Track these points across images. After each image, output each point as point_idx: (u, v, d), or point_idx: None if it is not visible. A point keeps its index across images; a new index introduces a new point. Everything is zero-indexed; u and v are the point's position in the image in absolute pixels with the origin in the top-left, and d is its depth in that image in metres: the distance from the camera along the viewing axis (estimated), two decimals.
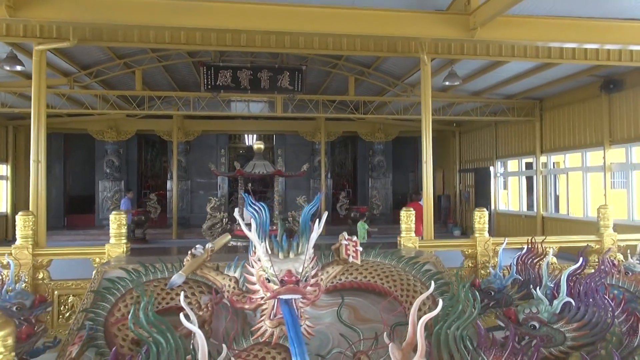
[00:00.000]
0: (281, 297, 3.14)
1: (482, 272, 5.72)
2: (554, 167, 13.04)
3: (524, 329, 3.59)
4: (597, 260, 6.12)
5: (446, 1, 6.25)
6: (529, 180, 14.12)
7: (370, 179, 18.89)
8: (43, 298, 4.44)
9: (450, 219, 18.40)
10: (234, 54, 12.51)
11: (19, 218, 5.14)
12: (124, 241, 5.28)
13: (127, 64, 11.66)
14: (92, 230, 16.89)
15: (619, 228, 10.00)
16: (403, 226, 5.79)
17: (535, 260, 5.06)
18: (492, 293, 4.94)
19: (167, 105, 15.07)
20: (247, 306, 3.37)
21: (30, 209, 6.25)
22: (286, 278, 3.15)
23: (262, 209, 3.61)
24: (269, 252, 3.36)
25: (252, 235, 3.44)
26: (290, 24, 5.89)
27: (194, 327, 2.28)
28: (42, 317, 4.51)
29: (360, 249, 4.11)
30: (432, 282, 3.13)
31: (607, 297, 3.61)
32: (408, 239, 5.70)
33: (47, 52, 9.71)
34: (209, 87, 11.51)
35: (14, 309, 4.23)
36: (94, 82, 11.86)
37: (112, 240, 5.25)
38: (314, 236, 3.41)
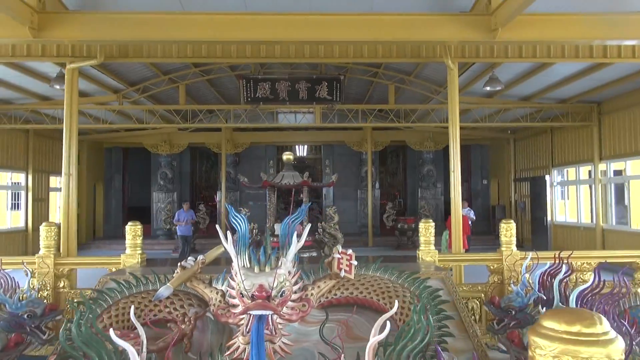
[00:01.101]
0: (251, 312, 3.03)
1: (510, 288, 5.30)
2: (614, 175, 12.04)
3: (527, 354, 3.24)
4: None
5: (469, 2, 5.93)
6: (589, 189, 13.14)
7: (419, 189, 18.39)
8: (54, 306, 4.59)
9: None
10: (274, 66, 12.67)
11: (43, 229, 5.38)
12: (139, 251, 5.38)
13: (172, 79, 12.09)
14: (146, 239, 17.52)
15: None
16: (422, 239, 5.50)
17: (561, 277, 4.64)
18: (513, 312, 4.56)
19: (216, 119, 15.51)
20: (230, 320, 3.28)
21: (62, 220, 6.54)
22: (256, 293, 3.04)
23: (242, 220, 3.54)
24: (245, 265, 3.27)
25: (229, 247, 3.37)
26: (307, 32, 5.82)
27: (124, 343, 2.21)
28: (54, 325, 4.66)
29: (355, 263, 3.92)
30: (396, 302, 2.91)
31: (624, 322, 3.19)
32: (427, 252, 5.40)
33: (96, 71, 10.33)
34: (249, 99, 11.69)
35: (25, 316, 4.41)
36: (142, 98, 12.40)
37: (128, 250, 5.36)
38: (293, 250, 3.29)
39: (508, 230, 5.51)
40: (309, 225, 3.63)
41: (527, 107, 12.58)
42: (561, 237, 14.35)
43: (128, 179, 19.95)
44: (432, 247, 5.48)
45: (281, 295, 3.14)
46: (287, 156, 8.70)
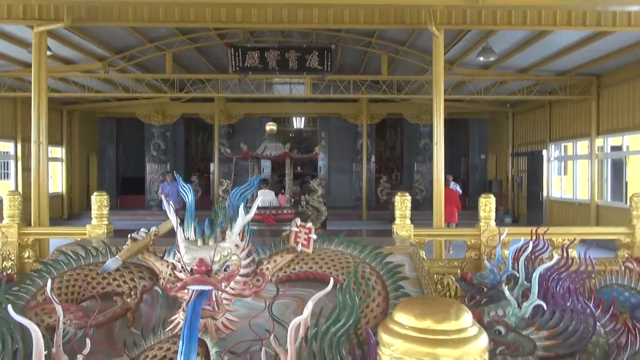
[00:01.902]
0: (189, 287, 2.88)
1: (485, 265, 5.13)
2: (611, 150, 11.75)
3: (488, 334, 3.07)
4: (626, 255, 5.33)
5: None
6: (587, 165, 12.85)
7: (415, 163, 18.14)
8: (11, 277, 4.46)
9: (502, 206, 17.30)
10: (264, 34, 12.30)
11: (6, 197, 5.22)
12: (106, 222, 5.22)
13: (159, 47, 11.77)
14: (141, 210, 17.53)
15: None
16: (397, 213, 5.31)
17: (537, 254, 4.46)
18: (485, 289, 4.39)
19: (209, 89, 15.21)
20: (179, 294, 3.13)
21: (33, 190, 6.37)
22: (196, 267, 2.87)
23: (190, 191, 3.35)
24: (190, 238, 3.10)
25: (172, 218, 3.19)
26: None
27: (25, 320, 2.05)
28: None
29: (314, 237, 3.76)
30: (332, 280, 2.74)
31: (588, 302, 3.02)
32: (402, 226, 5.22)
33: (79, 38, 10.03)
34: (237, 68, 11.36)
35: None
36: (129, 66, 12.09)
37: (94, 221, 5.21)
38: (240, 222, 3.11)
39: (487, 205, 5.31)
40: (259, 198, 3.45)
41: (524, 79, 12.21)
42: (557, 213, 14.16)
43: (122, 150, 19.78)
44: (408, 221, 5.29)
45: (225, 270, 2.98)
46: (270, 127, 8.46)
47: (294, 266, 3.79)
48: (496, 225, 5.31)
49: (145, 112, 17.50)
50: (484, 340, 0.79)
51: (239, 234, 3.15)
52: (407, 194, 5.40)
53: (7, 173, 14.45)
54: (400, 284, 3.40)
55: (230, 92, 14.74)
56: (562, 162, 14.31)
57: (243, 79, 11.93)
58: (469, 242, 5.31)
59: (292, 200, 8.66)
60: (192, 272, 2.83)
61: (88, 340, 2.28)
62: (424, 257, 5.34)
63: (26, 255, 5.25)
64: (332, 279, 2.99)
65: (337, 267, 3.72)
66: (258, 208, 8.62)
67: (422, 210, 15.70)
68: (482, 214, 5.36)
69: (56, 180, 16.55)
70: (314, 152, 8.33)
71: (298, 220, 3.76)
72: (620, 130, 11.16)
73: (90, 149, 18.45)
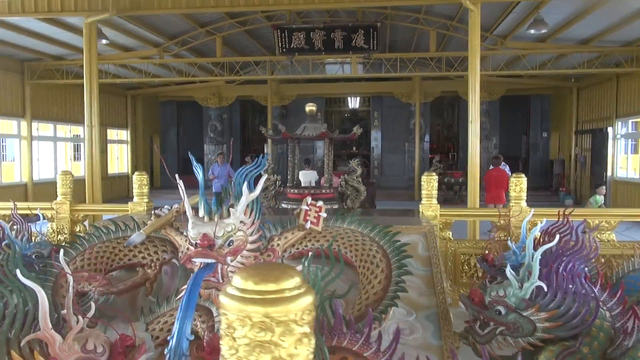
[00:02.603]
0: (192, 260, 3.08)
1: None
2: None
3: (488, 314, 3.08)
4: None
5: None
6: None
7: None
8: (58, 249, 4.93)
9: (563, 187, 16.47)
10: (311, 15, 12.33)
11: (59, 177, 5.71)
12: (146, 200, 5.60)
13: (209, 32, 12.14)
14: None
15: None
16: (424, 193, 5.28)
17: (560, 235, 4.30)
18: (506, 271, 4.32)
19: (263, 71, 15.53)
20: (188, 266, 3.36)
21: (86, 171, 6.89)
22: (199, 241, 3.07)
23: (199, 169, 3.55)
24: (200, 214, 3.30)
25: (183, 196, 3.40)
26: None
27: (31, 283, 2.31)
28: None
29: (324, 215, 3.87)
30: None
31: (587, 281, 2.92)
32: (428, 206, 5.19)
33: (134, 26, 10.57)
34: (284, 50, 11.52)
35: (33, 256, 4.79)
36: (183, 51, 12.59)
37: (135, 199, 5.59)
38: (244, 200, 3.26)
39: (517, 185, 5.14)
40: (265, 177, 3.57)
41: (585, 52, 11.44)
42: (622, 194, 13.30)
43: (182, 132, 20.67)
44: (434, 201, 5.25)
45: (229, 245, 3.15)
46: (309, 107, 8.50)
47: (305, 243, 3.92)
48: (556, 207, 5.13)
49: (202, 95, 18.16)
50: (306, 300, 0.87)
51: (246, 212, 3.29)
52: (434, 174, 5.34)
53: (80, 155, 15.60)
54: (404, 263, 3.43)
55: (281, 74, 14.97)
56: (630, 140, 13.35)
57: (290, 60, 12.06)
58: (497, 223, 5.19)
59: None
60: (196, 246, 3.04)
61: (92, 304, 2.53)
62: (451, 237, 5.30)
63: (77, 229, 5.74)
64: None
65: (345, 245, 3.81)
66: (298, 188, 8.73)
67: None
68: (512, 194, 5.20)
69: (122, 161, 17.64)
70: (352, 133, 8.32)
71: (309, 199, 3.88)
72: None
73: (153, 131, 19.45)
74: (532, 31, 9.12)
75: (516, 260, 4.33)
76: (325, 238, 3.87)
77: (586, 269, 4.27)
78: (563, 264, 3.06)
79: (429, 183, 5.26)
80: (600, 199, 9.62)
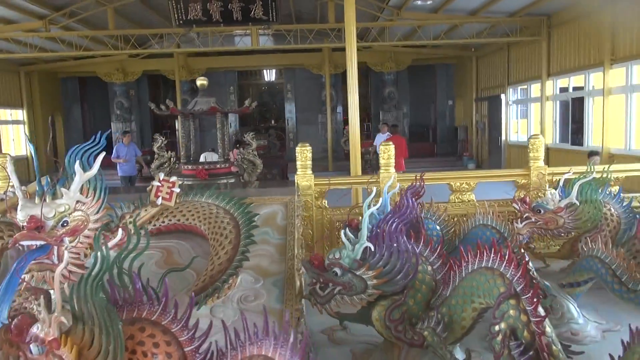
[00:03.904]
0: (20, 242, 3.00)
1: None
2: (560, 92, 11.77)
3: (326, 276, 3.26)
4: (525, 196, 5.50)
5: None
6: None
7: (381, 112, 18.11)
8: None
9: (467, 152, 17.45)
10: None
11: None
12: None
13: (99, 2, 11.46)
14: (110, 170, 17.55)
15: (617, 158, 9.00)
16: (298, 163, 5.41)
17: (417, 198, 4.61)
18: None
19: (169, 44, 14.92)
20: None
21: None
22: (26, 224, 2.99)
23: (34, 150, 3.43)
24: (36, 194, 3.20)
25: (13, 177, 3.27)
26: None
27: None
28: None
29: (178, 190, 3.88)
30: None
31: (409, 241, 3.18)
32: (302, 176, 5.34)
33: None
34: (181, 22, 11.14)
35: None
36: (72, 23, 11.82)
37: None
38: (78, 179, 3.19)
39: (385, 152, 5.39)
40: (103, 154, 3.48)
41: (474, 22, 12.02)
42: (515, 157, 14.31)
43: (87, 109, 19.59)
44: (309, 171, 5.41)
45: (63, 226, 3.09)
46: (200, 81, 8.42)
47: (162, 219, 3.93)
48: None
49: (105, 70, 17.24)
50: None
51: (85, 191, 3.22)
52: (307, 145, 5.47)
53: None
54: (252, 233, 3.54)
55: (191, 47, 14.51)
56: (519, 106, 14.33)
57: (187, 32, 11.70)
58: (368, 190, 5.44)
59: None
60: (23, 228, 2.96)
61: None
62: (326, 205, 5.50)
63: None
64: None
65: (201, 218, 3.86)
66: (195, 164, 8.59)
67: None
68: (381, 161, 5.47)
69: (19, 142, 16.49)
70: (245, 106, 8.32)
71: (161, 175, 3.88)
72: (566, 72, 11.14)
73: (54, 109, 18.22)
74: (419, 2, 9.42)
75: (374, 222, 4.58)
76: (182, 213, 3.91)
77: (438, 227, 4.65)
78: (388, 225, 3.29)
79: (303, 154, 5.40)
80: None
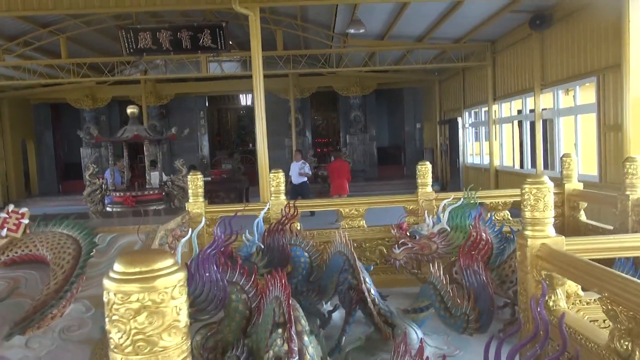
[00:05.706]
0: None
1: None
2: (502, 116, 11.96)
3: None
4: (415, 222, 5.62)
5: None
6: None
7: (347, 135, 18.32)
8: None
9: (433, 174, 17.54)
10: (162, 14, 12.28)
11: None
12: None
13: (53, 32, 11.76)
14: (80, 195, 17.70)
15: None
16: (190, 191, 5.54)
17: (283, 226, 4.73)
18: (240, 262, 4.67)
19: (136, 70, 15.20)
20: None
21: None
22: None
23: None
24: None
25: None
26: None
27: None
28: None
29: (26, 221, 3.99)
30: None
31: (219, 271, 3.28)
32: (194, 204, 5.46)
33: None
34: (132, 50, 11.40)
35: None
36: (28, 51, 12.09)
37: None
38: None
39: (275, 180, 5.52)
40: None
41: (423, 48, 12.28)
42: (472, 179, 14.38)
43: (59, 135, 19.82)
44: (201, 199, 5.52)
45: None
46: (131, 109, 8.60)
47: (16, 250, 4.03)
48: None
49: (75, 96, 17.53)
50: (173, 278, 1.11)
51: None
52: (199, 174, 5.60)
53: None
54: (86, 264, 3.65)
55: (157, 73, 14.81)
56: (473, 129, 14.52)
57: (139, 61, 11.98)
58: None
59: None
60: None
61: None
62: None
63: None
64: None
65: (48, 248, 3.96)
66: (120, 191, 8.69)
67: (355, 181, 15.98)
68: (271, 188, 5.59)
69: None
70: (171, 133, 8.51)
71: (11, 207, 4.00)
72: (508, 96, 11.35)
73: (25, 135, 18.44)
74: (352, 30, 9.68)
75: (247, 251, 4.70)
76: (33, 243, 4.01)
77: (306, 254, 4.74)
78: (201, 255, 3.40)
79: (194, 182, 5.52)
80: None
